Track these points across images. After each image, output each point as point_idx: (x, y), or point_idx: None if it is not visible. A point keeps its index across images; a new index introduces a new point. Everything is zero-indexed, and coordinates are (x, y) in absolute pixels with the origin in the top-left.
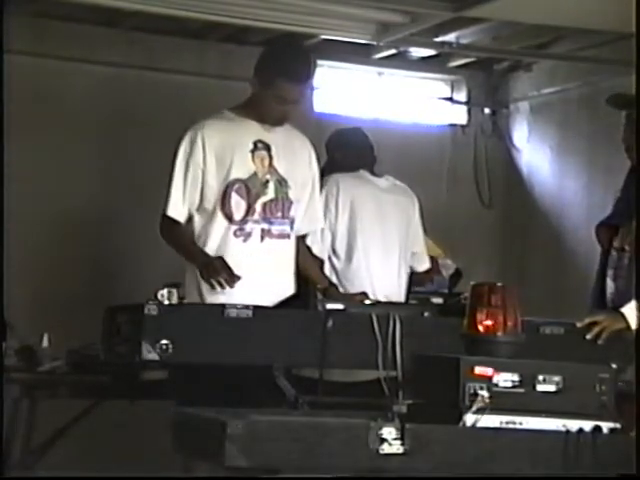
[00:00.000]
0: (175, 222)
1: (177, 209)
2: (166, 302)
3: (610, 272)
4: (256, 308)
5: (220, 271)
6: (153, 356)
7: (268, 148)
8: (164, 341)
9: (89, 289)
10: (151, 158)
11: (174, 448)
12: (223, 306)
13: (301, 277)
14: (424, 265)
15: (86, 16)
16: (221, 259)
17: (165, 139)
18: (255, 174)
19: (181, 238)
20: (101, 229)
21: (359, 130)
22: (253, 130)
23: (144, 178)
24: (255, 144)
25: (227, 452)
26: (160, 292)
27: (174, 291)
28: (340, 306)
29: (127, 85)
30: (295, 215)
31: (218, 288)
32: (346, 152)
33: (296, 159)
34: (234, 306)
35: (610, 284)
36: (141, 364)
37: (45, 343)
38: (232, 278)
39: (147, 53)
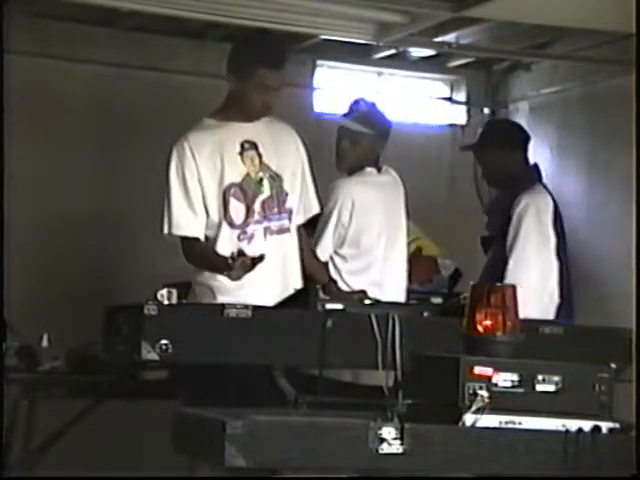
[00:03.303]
0: (195, 240)
1: (190, 226)
2: (166, 302)
3: None
4: (255, 308)
5: (240, 265)
6: (153, 356)
7: (255, 146)
8: (164, 341)
9: (89, 289)
10: (151, 158)
11: (174, 448)
12: (223, 306)
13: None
14: None
15: (86, 16)
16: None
17: (165, 139)
18: (248, 175)
19: (206, 255)
20: (101, 229)
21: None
22: (237, 131)
23: (144, 178)
24: (242, 145)
25: (227, 452)
26: (160, 292)
27: (174, 291)
28: (340, 306)
29: (127, 85)
30: (292, 206)
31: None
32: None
33: (284, 151)
34: (233, 306)
35: None
36: (141, 364)
37: (45, 343)
38: (250, 262)
39: (147, 53)
